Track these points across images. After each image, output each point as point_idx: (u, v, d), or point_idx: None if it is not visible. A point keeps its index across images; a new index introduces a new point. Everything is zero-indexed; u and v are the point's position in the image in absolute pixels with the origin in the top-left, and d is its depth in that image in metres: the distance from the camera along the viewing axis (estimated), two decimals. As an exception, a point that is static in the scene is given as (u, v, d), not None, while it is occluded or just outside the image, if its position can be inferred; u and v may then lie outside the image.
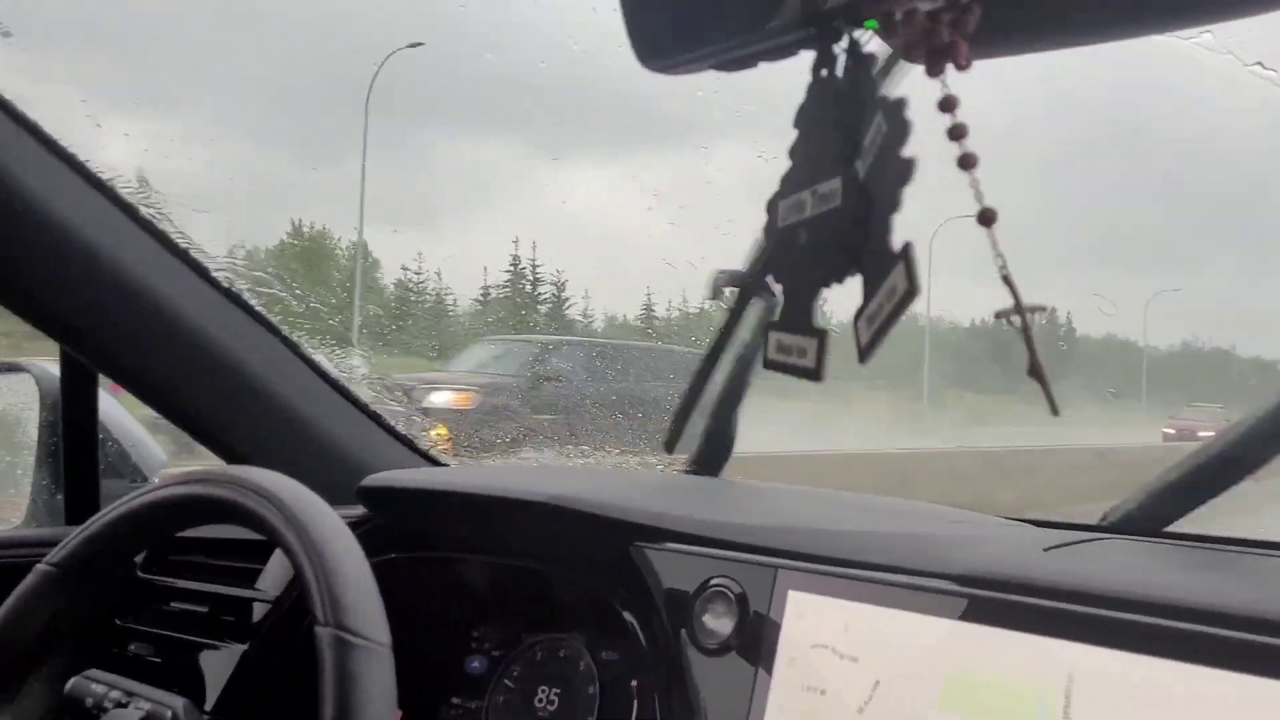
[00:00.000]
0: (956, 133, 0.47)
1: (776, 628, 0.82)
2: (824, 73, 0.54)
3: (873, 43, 0.55)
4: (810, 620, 0.81)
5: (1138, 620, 0.67)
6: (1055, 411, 0.46)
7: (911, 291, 0.46)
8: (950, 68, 0.50)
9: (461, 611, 1.16)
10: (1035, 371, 0.45)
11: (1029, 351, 0.44)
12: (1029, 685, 0.68)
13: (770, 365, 0.56)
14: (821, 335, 0.53)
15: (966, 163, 0.46)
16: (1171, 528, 1.17)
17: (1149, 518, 1.15)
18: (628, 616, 0.96)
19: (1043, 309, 0.45)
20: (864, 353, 0.49)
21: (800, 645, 0.80)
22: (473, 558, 1.14)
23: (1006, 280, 0.45)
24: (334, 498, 1.18)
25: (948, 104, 0.48)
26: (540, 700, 1.08)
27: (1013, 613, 0.72)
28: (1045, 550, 1.05)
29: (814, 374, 0.53)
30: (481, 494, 1.07)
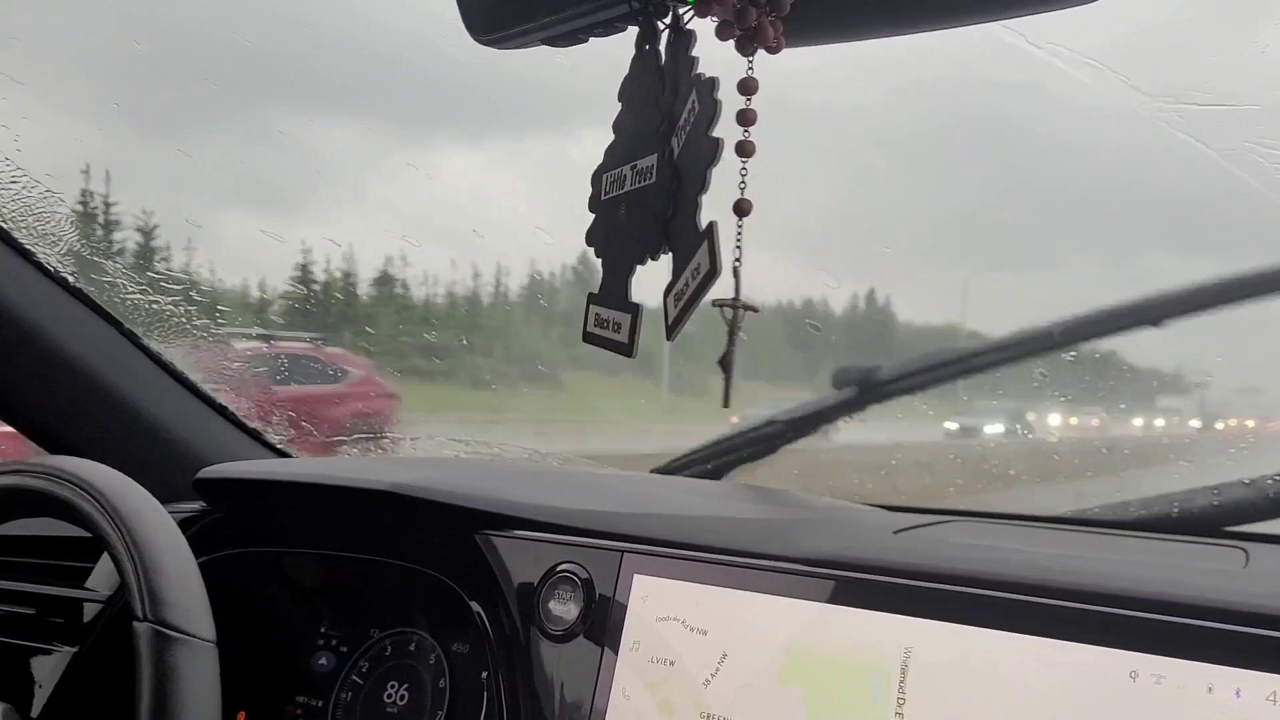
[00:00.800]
0: (745, 118, 0.48)
1: (623, 610, 0.82)
2: (647, 48, 0.54)
3: (694, 20, 0.55)
4: (656, 601, 0.81)
5: (969, 594, 0.69)
6: (726, 404, 0.47)
7: (713, 271, 0.46)
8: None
9: (308, 607, 1.13)
10: (725, 363, 0.46)
11: (728, 344, 0.45)
12: (867, 660, 0.70)
13: (588, 339, 0.56)
14: (635, 310, 0.53)
15: (744, 150, 0.47)
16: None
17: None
18: (475, 606, 0.95)
19: (755, 309, 0.46)
20: (671, 329, 0.49)
21: (647, 625, 0.80)
22: (317, 551, 1.11)
23: (736, 273, 0.45)
24: (172, 491, 1.13)
25: (746, 87, 0.49)
26: (390, 696, 1.06)
27: (855, 592, 0.74)
28: (895, 533, 1.08)
29: (627, 349, 0.52)
30: (322, 484, 1.04)
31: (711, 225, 0.47)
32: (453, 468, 1.13)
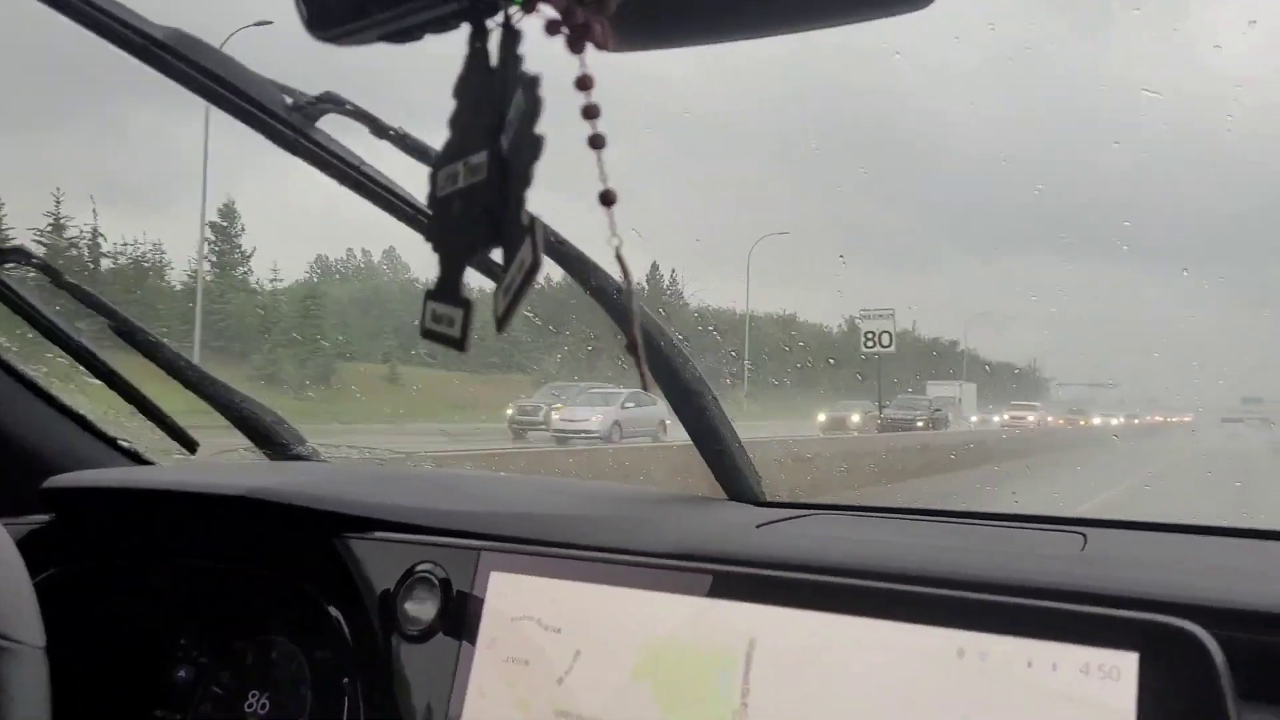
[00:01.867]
0: (589, 112, 0.49)
1: (480, 608, 0.82)
2: (478, 45, 0.55)
3: (525, 18, 0.56)
4: (513, 599, 0.81)
5: (811, 581, 0.71)
6: (645, 388, 0.48)
7: (535, 264, 0.46)
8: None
9: (166, 618, 1.10)
10: (632, 349, 0.46)
11: (630, 330, 0.46)
12: (714, 652, 0.71)
13: (426, 335, 0.56)
14: (467, 306, 0.53)
15: (595, 143, 0.48)
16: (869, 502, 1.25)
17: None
18: (334, 611, 0.93)
19: (643, 287, 0.46)
20: (500, 322, 0.50)
21: (503, 623, 0.81)
22: (175, 561, 1.08)
23: (620, 259, 0.46)
24: (23, 503, 1.08)
25: (583, 83, 0.49)
26: (251, 706, 1.04)
27: (704, 584, 0.75)
28: (759, 526, 1.10)
29: (459, 343, 0.53)
30: (176, 490, 1.01)
31: (533, 220, 0.48)
32: (312, 471, 1.12)
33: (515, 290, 0.49)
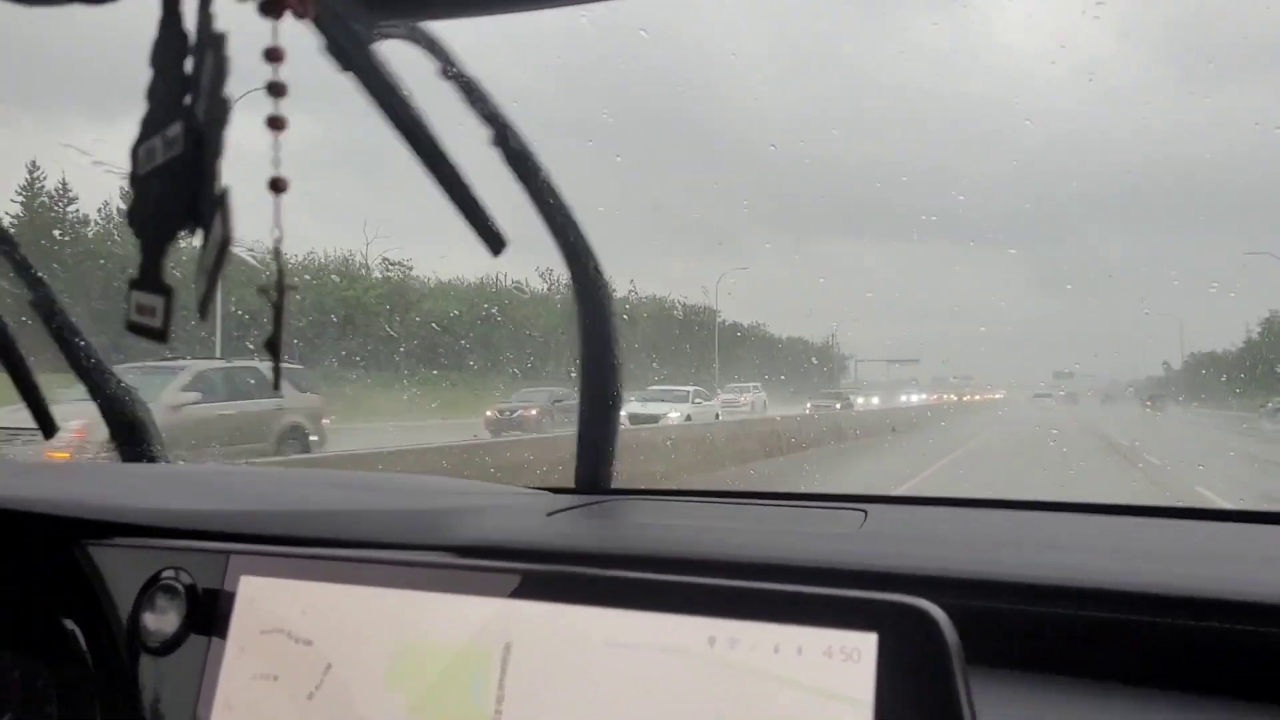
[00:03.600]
0: (275, 90, 0.45)
1: (228, 617, 0.77)
2: (171, 6, 0.50)
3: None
4: (264, 606, 0.76)
5: (569, 573, 0.69)
6: (276, 387, 0.45)
7: (226, 240, 0.43)
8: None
9: None
10: (272, 346, 0.44)
11: (275, 327, 0.43)
12: (472, 653, 0.68)
13: (130, 327, 0.51)
14: (169, 293, 0.48)
15: (276, 124, 0.44)
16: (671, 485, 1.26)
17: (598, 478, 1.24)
18: (69, 625, 0.86)
19: (295, 289, 0.44)
20: (201, 307, 0.46)
21: (252, 632, 0.76)
22: None
23: (277, 253, 0.43)
24: None
25: (272, 55, 0.46)
26: None
27: (462, 581, 0.72)
28: (549, 515, 1.09)
29: (160, 334, 0.48)
30: None
31: (224, 192, 0.44)
32: (54, 473, 1.03)
33: (211, 270, 0.45)
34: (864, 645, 0.58)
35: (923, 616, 0.57)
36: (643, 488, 1.33)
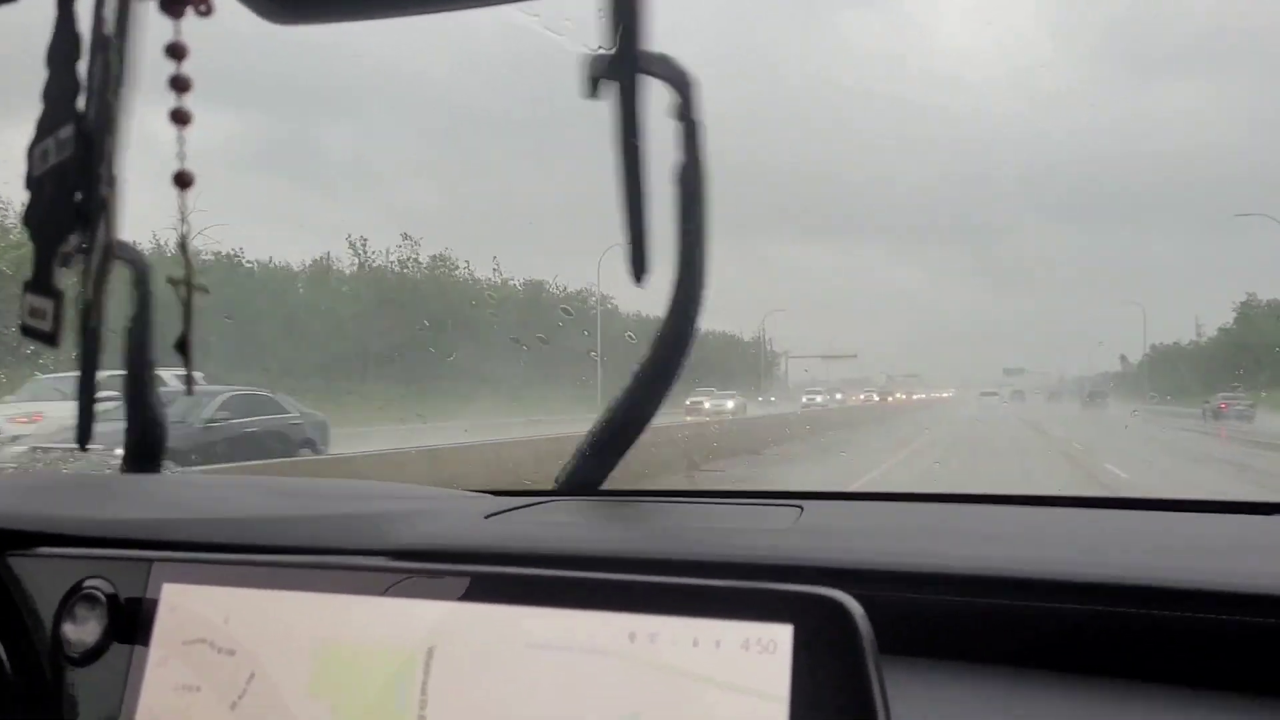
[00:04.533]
0: (178, 84, 0.45)
1: (150, 626, 0.76)
2: (67, 6, 0.49)
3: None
4: (187, 614, 0.75)
5: (492, 574, 0.69)
6: (189, 391, 0.46)
7: (110, 244, 0.42)
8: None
9: None
10: (182, 345, 0.44)
11: (185, 325, 0.43)
12: (396, 657, 0.68)
13: (24, 331, 0.50)
14: (59, 297, 0.48)
15: (179, 118, 0.44)
16: (605, 485, 1.26)
17: (585, 480, 1.24)
18: None
19: (205, 289, 0.44)
20: (85, 315, 0.45)
21: (174, 642, 0.75)
22: None
23: (183, 248, 0.43)
24: None
25: (175, 51, 0.45)
26: None
27: (385, 583, 0.72)
28: (487, 517, 1.08)
29: (51, 339, 0.48)
30: None
31: (105, 196, 0.43)
32: None
33: (97, 274, 0.44)
34: (780, 637, 0.58)
35: (836, 608, 0.57)
36: (586, 490, 1.33)
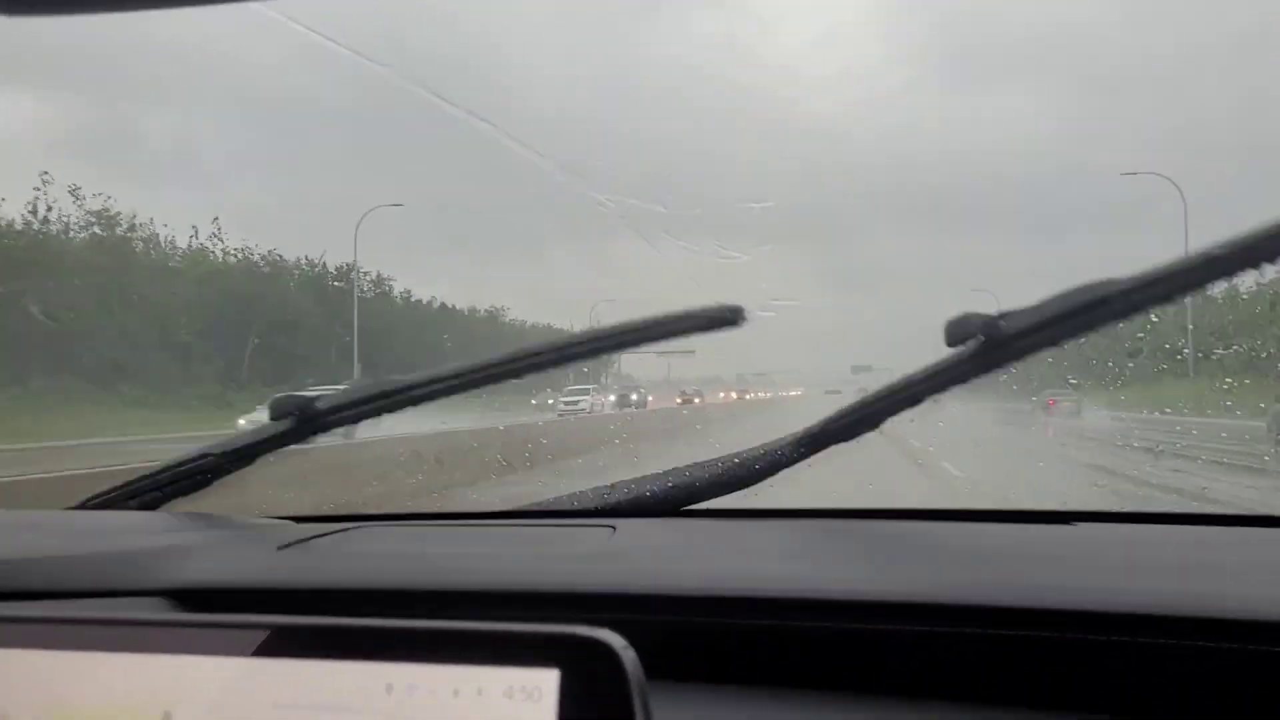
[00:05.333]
0: None
1: None
2: None
3: None
4: None
5: (236, 622, 0.62)
6: None
7: None
8: None
9: None
10: None
11: None
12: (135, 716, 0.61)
13: None
14: None
15: None
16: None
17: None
18: None
19: None
20: None
21: None
22: None
23: None
24: None
25: None
26: None
27: (126, 638, 0.64)
28: (280, 548, 1.00)
29: None
30: None
31: None
32: None
33: None
34: (545, 683, 0.54)
35: (599, 648, 0.54)
36: (390, 511, 1.26)
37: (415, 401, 1.19)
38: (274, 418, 1.21)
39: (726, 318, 1.12)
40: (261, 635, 0.60)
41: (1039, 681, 0.77)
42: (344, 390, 1.26)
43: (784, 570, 0.90)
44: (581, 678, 0.53)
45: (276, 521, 1.24)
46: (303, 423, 1.18)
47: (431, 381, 1.18)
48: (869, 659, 0.79)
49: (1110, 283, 0.97)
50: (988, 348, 1.00)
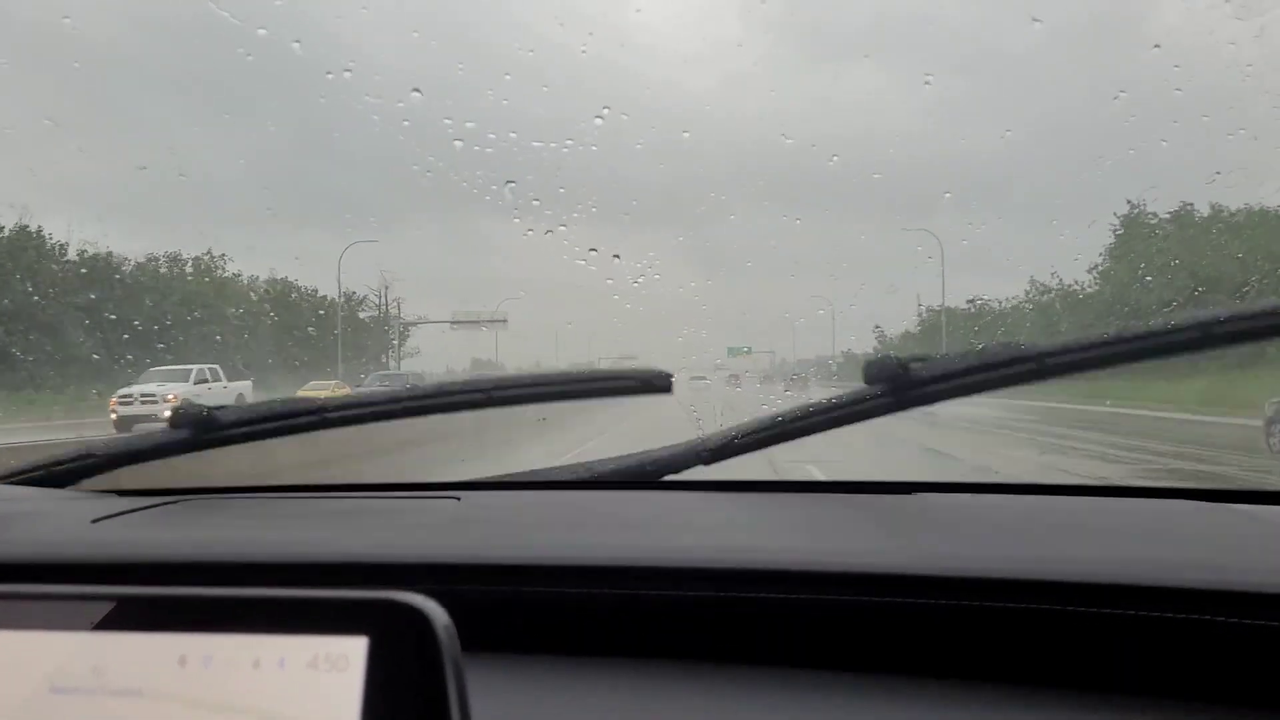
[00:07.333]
0: None
1: None
2: None
3: None
4: None
5: (31, 592, 0.57)
6: None
7: None
8: None
9: None
10: None
11: None
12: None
13: None
14: None
15: None
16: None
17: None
18: None
19: None
20: None
21: None
22: None
23: None
24: None
25: None
26: None
27: None
28: (94, 521, 0.94)
29: None
30: None
31: None
32: None
33: None
34: (353, 651, 0.51)
35: (411, 613, 0.51)
36: (234, 485, 1.20)
37: (323, 426, 1.14)
38: (173, 426, 1.15)
39: (656, 384, 1.23)
40: (33, 607, 0.55)
41: (846, 646, 0.78)
42: (250, 406, 1.20)
43: (620, 539, 0.88)
44: (391, 645, 0.50)
45: (102, 495, 1.16)
46: (199, 433, 1.12)
47: (344, 407, 1.17)
48: (690, 626, 0.79)
49: (1022, 346, 1.09)
50: (898, 388, 1.10)
